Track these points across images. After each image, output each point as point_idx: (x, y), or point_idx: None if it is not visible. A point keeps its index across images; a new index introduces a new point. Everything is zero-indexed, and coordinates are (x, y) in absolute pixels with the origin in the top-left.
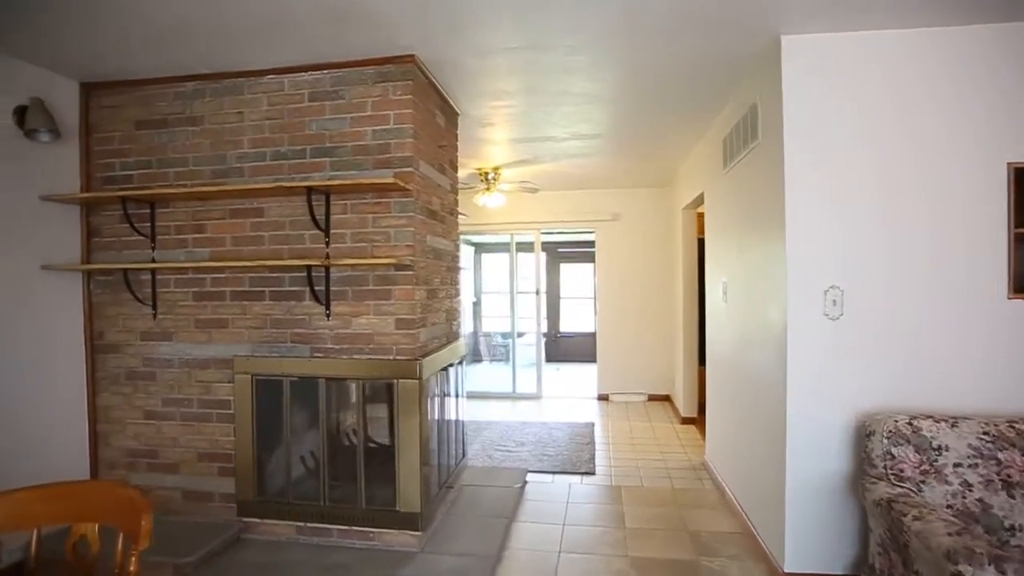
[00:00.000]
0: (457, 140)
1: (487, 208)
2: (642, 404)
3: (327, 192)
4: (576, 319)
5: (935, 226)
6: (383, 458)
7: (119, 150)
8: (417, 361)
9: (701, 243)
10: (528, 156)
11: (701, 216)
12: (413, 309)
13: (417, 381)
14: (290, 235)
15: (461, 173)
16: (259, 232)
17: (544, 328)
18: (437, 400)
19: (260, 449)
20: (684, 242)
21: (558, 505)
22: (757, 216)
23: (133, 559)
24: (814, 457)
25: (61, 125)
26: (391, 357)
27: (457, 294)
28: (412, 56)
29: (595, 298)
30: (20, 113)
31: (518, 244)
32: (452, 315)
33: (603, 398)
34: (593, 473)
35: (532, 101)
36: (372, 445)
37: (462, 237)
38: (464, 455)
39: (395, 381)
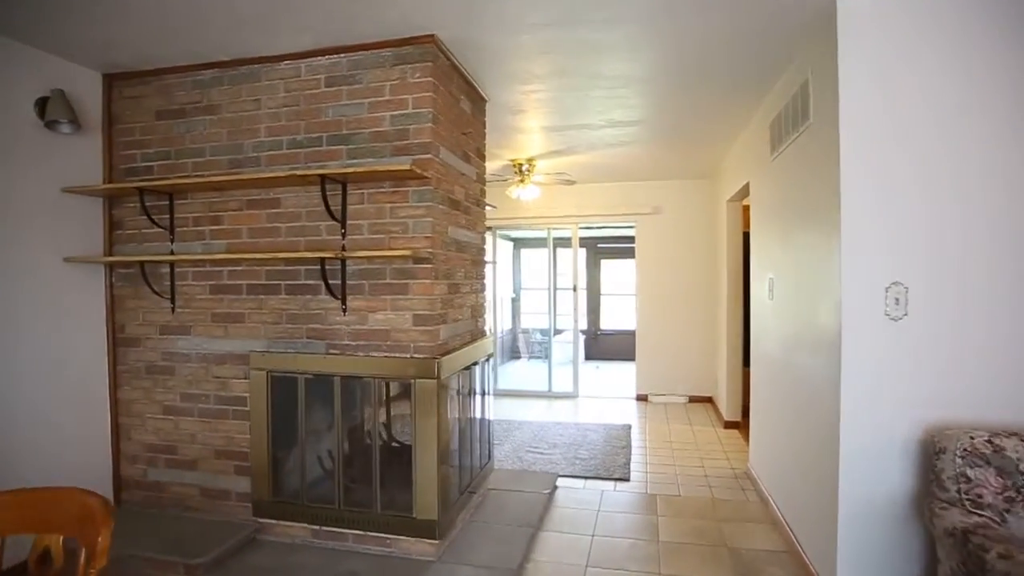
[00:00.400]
0: (485, 128)
1: (522, 201)
2: (683, 406)
3: (343, 181)
4: (617, 316)
5: (1019, 216)
6: (400, 462)
7: (140, 141)
8: (436, 360)
9: (746, 237)
10: (562, 146)
11: (746, 209)
12: (432, 305)
13: (435, 381)
14: (306, 226)
15: (494, 165)
16: (275, 223)
17: (584, 325)
18: (460, 400)
19: (275, 448)
20: (728, 236)
21: (588, 513)
22: (808, 205)
23: None
24: (871, 473)
25: (84, 117)
26: (408, 355)
27: (483, 289)
28: (431, 36)
29: (636, 294)
30: (42, 105)
31: (557, 239)
32: (478, 311)
33: (642, 399)
34: (627, 479)
35: (563, 84)
36: (388, 448)
37: (499, 232)
38: (490, 458)
39: (412, 381)
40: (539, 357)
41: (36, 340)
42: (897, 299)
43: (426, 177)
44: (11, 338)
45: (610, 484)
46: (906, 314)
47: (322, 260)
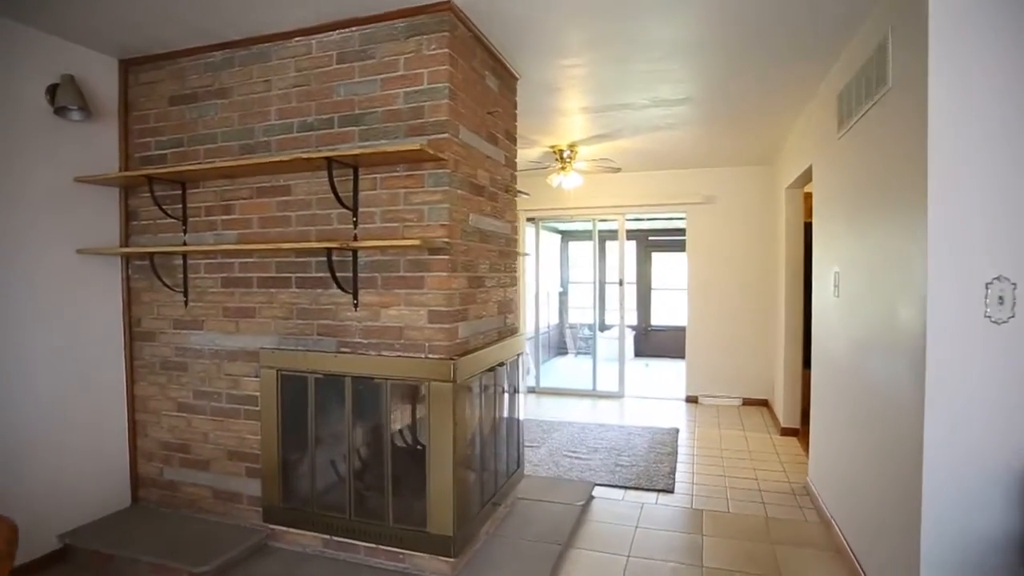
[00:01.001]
0: (515, 108)
1: (565, 191)
2: (736, 409)
3: (353, 165)
4: (668, 311)
5: None
6: (414, 471)
7: (154, 128)
8: (452, 361)
9: (808, 228)
10: (605, 130)
11: (808, 197)
12: (450, 300)
13: (451, 385)
14: (317, 215)
15: (534, 152)
16: (285, 212)
17: (633, 320)
18: (484, 403)
19: (285, 451)
20: (788, 226)
21: (625, 529)
22: (884, 187)
23: None
24: (964, 508)
25: (100, 104)
26: (423, 355)
27: (514, 283)
28: (447, 3)
29: (686, 289)
30: (52, 92)
31: (603, 231)
32: (507, 307)
33: (692, 400)
34: (671, 491)
35: (603, 56)
36: (400, 457)
37: (543, 224)
38: (519, 465)
39: (426, 383)
40: (586, 353)
41: (51, 334)
42: (1001, 297)
43: (442, 159)
44: (26, 332)
45: (652, 496)
46: (1012, 316)
47: (329, 251)
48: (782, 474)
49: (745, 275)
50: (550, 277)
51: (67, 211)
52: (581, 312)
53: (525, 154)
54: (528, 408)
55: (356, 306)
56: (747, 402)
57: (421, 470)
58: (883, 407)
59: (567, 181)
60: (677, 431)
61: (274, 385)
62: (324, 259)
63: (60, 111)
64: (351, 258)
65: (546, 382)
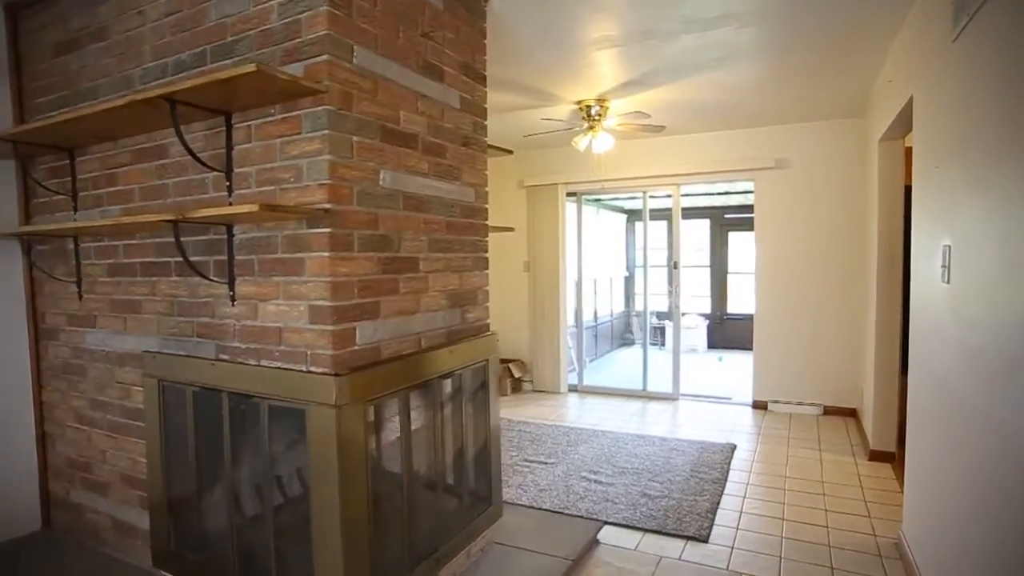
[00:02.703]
0: (484, 37)
1: (606, 160)
2: (814, 420)
3: (223, 111)
4: (747, 298)
5: None
6: (298, 526)
7: (43, 87)
8: (336, 378)
9: (909, 193)
10: (635, 73)
11: (909, 153)
12: (337, 290)
13: (333, 410)
14: (192, 181)
15: (559, 111)
16: (163, 180)
17: (707, 308)
18: (418, 429)
19: (171, 483)
20: (882, 192)
21: None
22: None
23: None
24: None
25: None
26: (303, 367)
27: (481, 266)
28: None
29: (754, 272)
30: None
31: (658, 209)
32: (466, 298)
33: (759, 406)
34: (704, 540)
35: None
36: (285, 504)
37: (587, 198)
38: (491, 501)
39: (306, 406)
40: (655, 344)
41: None
42: None
43: (318, 91)
44: None
45: (677, 544)
46: None
47: (175, 226)
48: (866, 520)
49: (828, 255)
50: (611, 260)
51: None
52: (650, 299)
53: (549, 114)
54: (565, 411)
55: (233, 299)
56: (829, 411)
57: (306, 525)
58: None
59: (597, 143)
60: (733, 448)
61: (156, 398)
62: (199, 238)
63: None
64: (226, 236)
65: (597, 379)
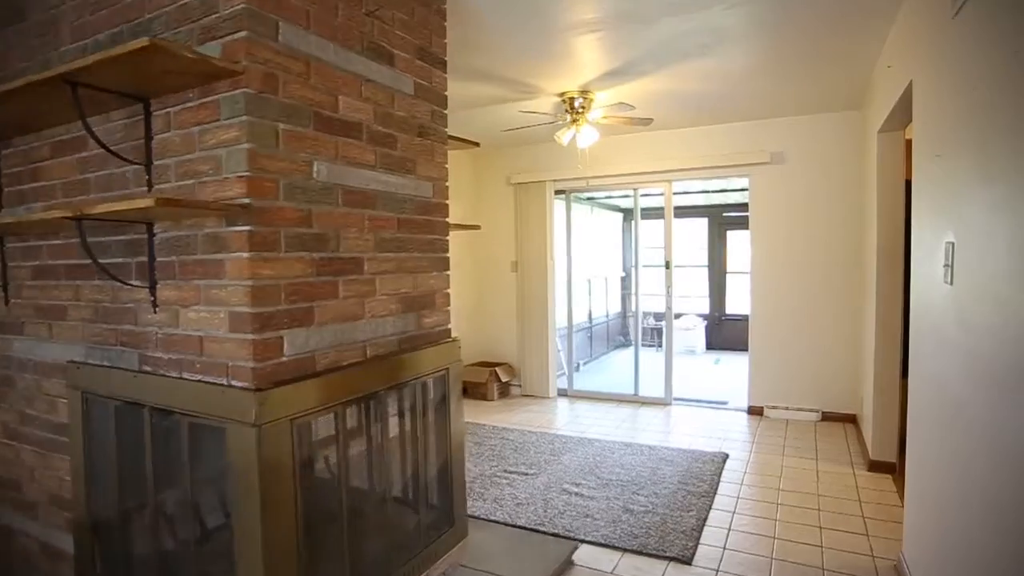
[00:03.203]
0: (444, 20)
1: (592, 156)
2: (811, 426)
3: (139, 96)
4: (746, 299)
5: None
6: (222, 559)
7: None
8: (256, 393)
9: (910, 188)
10: (618, 61)
11: (910, 146)
12: (259, 295)
13: (254, 430)
14: (113, 175)
15: (542, 103)
16: (85, 174)
17: (705, 309)
18: (361, 448)
19: (95, 506)
20: (882, 186)
21: None
22: None
23: None
24: None
25: None
26: (224, 381)
27: (441, 267)
28: None
29: (749, 272)
30: None
31: (651, 208)
32: (422, 302)
33: (755, 412)
34: (688, 561)
35: None
36: (209, 534)
37: (577, 197)
38: (452, 523)
39: (226, 424)
40: (652, 345)
41: None
42: None
43: (234, 72)
44: None
45: (659, 567)
46: None
47: (79, 225)
48: (864, 539)
49: (826, 253)
50: (607, 260)
51: None
52: (646, 299)
53: (532, 107)
54: (553, 417)
55: (155, 305)
56: (827, 417)
57: (230, 558)
58: None
59: (581, 137)
60: (725, 458)
61: (80, 413)
62: (122, 239)
63: None
64: (147, 235)
65: (591, 382)
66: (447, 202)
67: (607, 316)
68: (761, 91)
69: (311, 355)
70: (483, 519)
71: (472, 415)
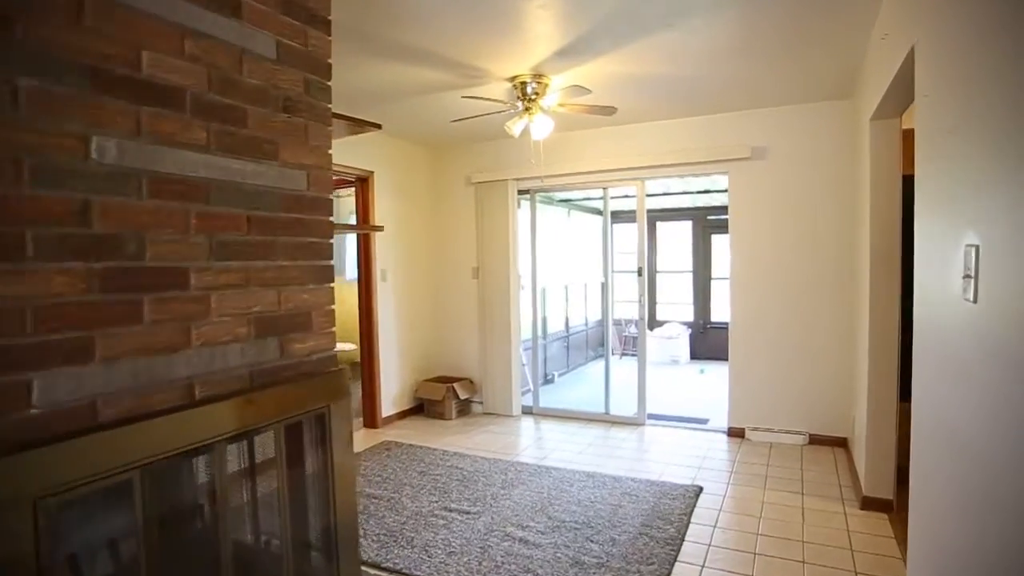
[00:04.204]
0: None
1: (556, 152)
2: (797, 450)
3: None
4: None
5: None
6: None
7: None
8: None
9: (909, 184)
10: (571, 36)
11: (908, 136)
12: None
13: None
14: None
15: (491, 89)
16: None
17: (690, 316)
18: (202, 518)
19: None
20: (875, 182)
21: None
22: None
23: None
24: None
25: None
26: None
27: (319, 279)
28: None
29: (729, 278)
30: None
31: (623, 211)
32: (296, 323)
33: (735, 433)
34: None
35: None
36: None
37: (542, 197)
38: None
39: None
40: (632, 354)
41: None
42: None
43: None
44: None
45: None
46: None
47: None
48: None
49: (813, 257)
50: (585, 265)
51: None
52: (627, 307)
53: (482, 93)
54: (513, 440)
55: None
56: (815, 440)
57: None
58: None
59: (536, 128)
60: (698, 492)
61: None
62: None
63: None
64: None
65: (565, 396)
66: (329, 196)
67: (586, 324)
68: (737, 77)
69: (88, 402)
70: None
71: (424, 437)
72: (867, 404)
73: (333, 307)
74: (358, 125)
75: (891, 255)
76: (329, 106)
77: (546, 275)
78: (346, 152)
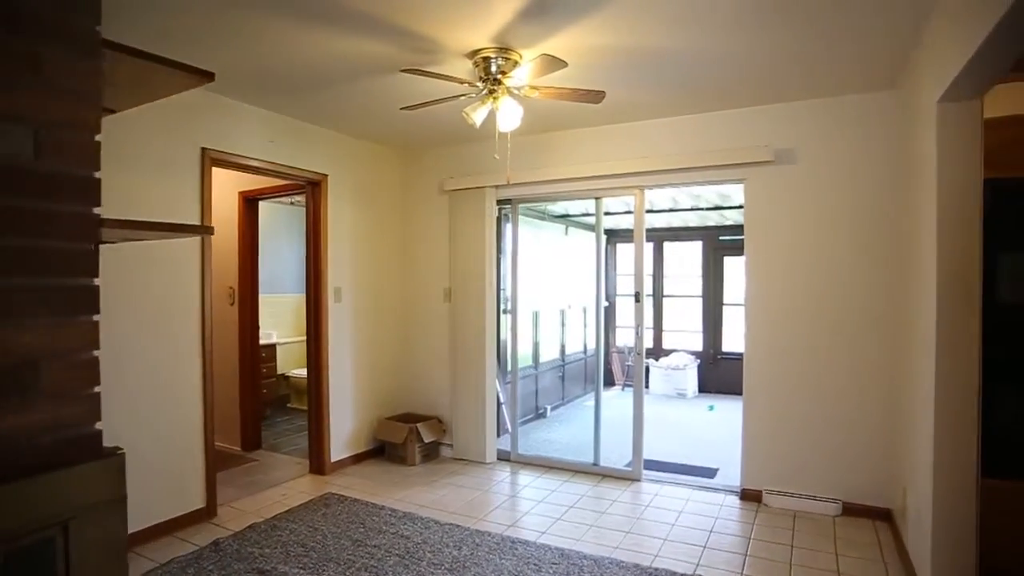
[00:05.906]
0: None
1: (539, 154)
2: (829, 522)
3: None
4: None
5: None
6: None
7: None
8: None
9: (995, 190)
10: None
11: (998, 126)
12: None
13: None
14: None
15: (449, 67)
16: None
17: (698, 346)
18: None
19: None
20: (944, 190)
21: None
22: None
23: None
24: None
25: None
26: None
27: (79, 307)
28: None
29: (744, 305)
30: None
31: (627, 228)
32: (15, 384)
33: (750, 496)
34: None
35: None
36: None
37: (525, 208)
38: None
39: None
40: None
41: None
42: None
43: None
44: None
45: None
46: None
47: None
48: None
49: (851, 282)
50: (584, 287)
51: None
52: (630, 333)
53: (438, 71)
54: (479, 497)
55: None
56: (851, 510)
57: None
58: None
59: (502, 116)
60: None
61: None
62: None
63: None
64: None
65: (546, 437)
66: (86, 175)
67: (585, 352)
68: (751, 56)
69: None
70: None
71: (375, 489)
72: (933, 478)
73: (95, 352)
74: (172, 69)
75: (967, 278)
76: (96, 28)
77: (540, 298)
78: (293, 150)
